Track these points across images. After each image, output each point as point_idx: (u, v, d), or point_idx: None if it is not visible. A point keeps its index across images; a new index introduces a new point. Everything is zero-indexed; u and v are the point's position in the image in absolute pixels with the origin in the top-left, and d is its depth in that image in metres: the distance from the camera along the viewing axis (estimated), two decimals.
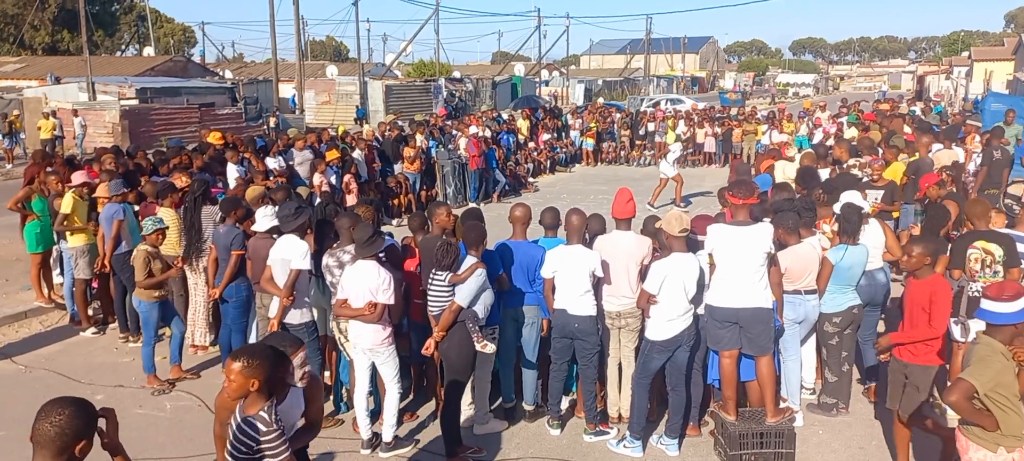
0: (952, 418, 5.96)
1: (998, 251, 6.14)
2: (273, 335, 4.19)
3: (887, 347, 5.41)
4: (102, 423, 3.05)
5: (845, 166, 10.42)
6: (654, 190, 16.15)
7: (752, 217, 5.71)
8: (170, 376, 7.25)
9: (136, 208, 8.56)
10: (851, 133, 17.34)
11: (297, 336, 3.82)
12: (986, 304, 4.16)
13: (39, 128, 24.16)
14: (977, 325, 5.65)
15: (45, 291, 9.60)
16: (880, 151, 11.25)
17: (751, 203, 5.71)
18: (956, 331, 6.27)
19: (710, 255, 5.65)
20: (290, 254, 6.05)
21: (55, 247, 9.43)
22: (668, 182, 16.24)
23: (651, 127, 25.08)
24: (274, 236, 6.65)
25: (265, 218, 6.64)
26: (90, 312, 8.98)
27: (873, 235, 6.53)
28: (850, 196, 6.62)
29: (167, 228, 7.26)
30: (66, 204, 8.47)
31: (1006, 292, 4.12)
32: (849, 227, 6.29)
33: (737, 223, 5.63)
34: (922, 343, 5.15)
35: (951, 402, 3.98)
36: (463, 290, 5.47)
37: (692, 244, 5.86)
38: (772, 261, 5.70)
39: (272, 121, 30.21)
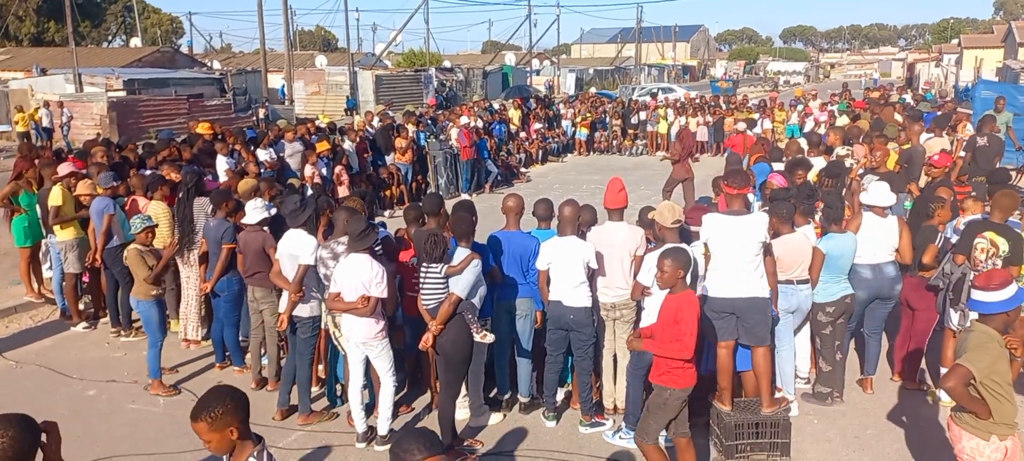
0: (946, 405, 6.00)
1: (1004, 245, 6.15)
2: (416, 433, 2.96)
3: (640, 350, 5.09)
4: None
5: (834, 154, 10.42)
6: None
7: (747, 206, 5.70)
8: (151, 391, 6.93)
9: (124, 201, 8.49)
10: (843, 121, 17.37)
11: (431, 437, 2.89)
12: (976, 294, 4.18)
13: (16, 122, 23.81)
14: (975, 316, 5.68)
15: (35, 286, 9.52)
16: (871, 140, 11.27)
17: (745, 192, 5.70)
18: (955, 318, 6.29)
19: (705, 245, 5.64)
20: (298, 249, 6.02)
21: (44, 241, 9.34)
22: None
23: (643, 116, 25.06)
24: (264, 229, 6.62)
25: (255, 211, 6.59)
26: (81, 307, 8.91)
27: (889, 230, 6.43)
28: (879, 189, 6.55)
29: (156, 225, 7.12)
30: (55, 197, 8.38)
31: (994, 281, 4.16)
32: (833, 214, 6.31)
33: (732, 212, 5.62)
34: (677, 365, 4.73)
35: (948, 387, 3.98)
36: (460, 282, 5.44)
37: (685, 235, 5.85)
38: (767, 250, 5.70)
39: (262, 112, 30.03)
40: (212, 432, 2.93)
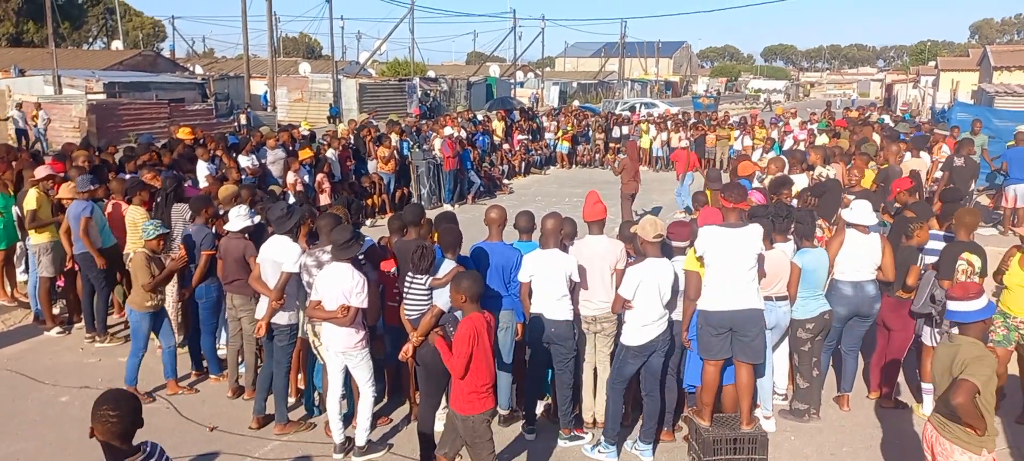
0: (921, 417, 6.07)
1: (978, 262, 6.30)
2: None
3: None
4: None
5: (814, 172, 10.53)
6: None
7: (741, 220, 5.71)
8: (167, 392, 6.88)
9: (105, 204, 8.39)
10: (822, 140, 17.58)
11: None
12: (954, 305, 4.27)
13: None
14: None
15: (8, 289, 9.37)
16: (850, 160, 11.43)
17: (742, 207, 5.72)
18: (933, 337, 6.38)
19: (700, 258, 5.63)
20: (282, 256, 5.97)
21: (19, 244, 9.20)
22: None
23: (625, 130, 25.19)
24: (245, 236, 6.57)
25: (238, 218, 6.54)
26: (55, 311, 8.78)
27: (871, 248, 6.44)
28: (861, 207, 6.59)
29: (168, 232, 6.95)
30: (31, 200, 8.26)
31: (970, 291, 4.26)
32: (804, 230, 6.36)
33: (729, 225, 5.65)
34: (469, 390, 4.68)
35: (958, 403, 3.93)
36: (444, 295, 5.42)
37: (667, 249, 5.88)
38: (762, 262, 5.73)
39: (243, 118, 29.83)
40: (91, 420, 3.19)
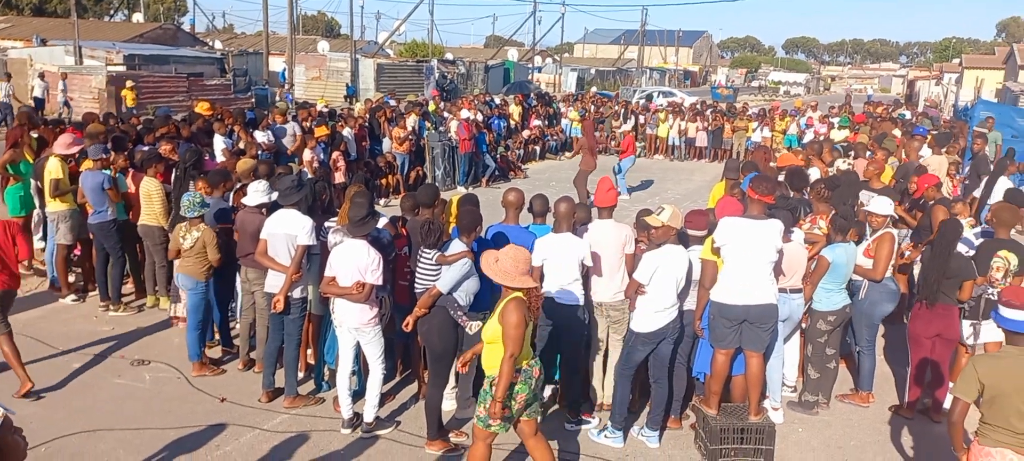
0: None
1: (1014, 260, 6.22)
2: None
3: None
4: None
5: (835, 166, 10.43)
6: None
7: (764, 213, 5.66)
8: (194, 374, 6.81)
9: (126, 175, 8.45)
10: (842, 134, 17.43)
11: None
12: (1009, 312, 3.95)
13: None
14: (989, 328, 5.71)
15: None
16: (870, 153, 11.29)
17: (769, 201, 5.66)
18: (967, 331, 6.34)
19: (718, 249, 5.55)
20: (295, 229, 5.98)
21: (36, 211, 9.29)
22: None
23: (642, 119, 25.04)
24: (262, 211, 6.59)
25: (257, 193, 6.55)
26: (71, 279, 8.87)
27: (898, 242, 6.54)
28: (880, 201, 6.56)
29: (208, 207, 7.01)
30: (54, 169, 8.30)
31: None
32: (841, 224, 6.30)
33: (750, 217, 5.60)
34: None
35: None
36: (446, 275, 5.43)
37: (683, 239, 5.84)
38: (781, 258, 5.69)
39: (278, 97, 29.78)
40: None
